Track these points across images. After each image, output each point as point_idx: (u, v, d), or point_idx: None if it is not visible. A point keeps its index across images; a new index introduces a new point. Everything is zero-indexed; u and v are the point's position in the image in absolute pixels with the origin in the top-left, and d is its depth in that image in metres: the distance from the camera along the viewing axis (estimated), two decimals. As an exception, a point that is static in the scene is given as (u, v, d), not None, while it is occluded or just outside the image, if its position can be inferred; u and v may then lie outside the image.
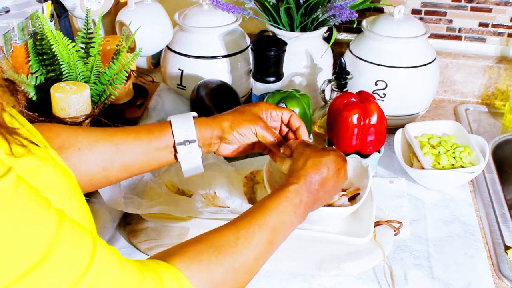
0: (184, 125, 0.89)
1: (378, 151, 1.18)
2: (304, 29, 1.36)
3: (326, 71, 1.40)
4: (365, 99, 1.15)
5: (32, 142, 0.56)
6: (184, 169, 0.91)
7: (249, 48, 1.31)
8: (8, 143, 0.51)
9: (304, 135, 0.94)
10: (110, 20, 1.51)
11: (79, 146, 0.85)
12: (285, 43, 1.24)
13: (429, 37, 1.42)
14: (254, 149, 0.95)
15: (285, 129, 0.97)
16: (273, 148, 0.91)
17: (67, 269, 0.52)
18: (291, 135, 0.96)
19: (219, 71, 1.38)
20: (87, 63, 1.12)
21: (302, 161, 0.84)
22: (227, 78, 1.38)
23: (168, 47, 1.41)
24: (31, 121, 0.72)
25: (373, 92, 1.34)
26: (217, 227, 0.73)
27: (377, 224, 1.03)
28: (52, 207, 0.53)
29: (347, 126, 1.13)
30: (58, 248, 0.51)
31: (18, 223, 0.49)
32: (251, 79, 1.30)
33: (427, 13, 1.52)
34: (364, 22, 1.39)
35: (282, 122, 0.96)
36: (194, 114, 0.92)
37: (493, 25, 1.52)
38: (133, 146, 0.87)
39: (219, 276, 0.67)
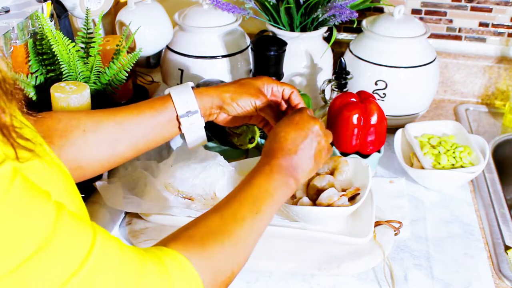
0: (185, 96, 0.89)
1: (378, 151, 1.18)
2: (304, 29, 1.36)
3: (326, 71, 1.40)
4: (365, 99, 1.15)
5: (31, 142, 0.56)
6: (188, 140, 0.92)
7: (249, 48, 1.31)
8: (14, 149, 0.52)
9: None
10: (110, 20, 1.50)
11: (84, 128, 0.85)
12: (285, 43, 1.24)
13: (429, 37, 1.42)
14: (251, 120, 0.96)
15: (284, 106, 0.97)
16: (271, 121, 0.93)
17: (67, 257, 0.53)
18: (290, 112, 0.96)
19: (219, 71, 1.38)
20: (87, 63, 1.12)
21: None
22: (227, 78, 1.38)
23: (168, 47, 1.41)
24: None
25: (373, 92, 1.34)
26: (208, 210, 0.74)
27: (377, 224, 1.03)
28: (51, 199, 0.53)
29: (347, 126, 1.13)
30: (57, 237, 0.52)
31: (16, 213, 0.49)
32: (251, 79, 1.30)
33: (427, 13, 1.52)
34: (364, 22, 1.39)
35: (282, 98, 0.96)
36: (191, 84, 0.92)
37: (493, 25, 1.52)
38: (137, 123, 0.88)
39: (215, 254, 0.68)
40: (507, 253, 1.04)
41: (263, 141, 1.22)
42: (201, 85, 1.27)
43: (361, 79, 1.35)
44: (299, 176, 0.82)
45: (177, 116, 0.89)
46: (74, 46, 1.10)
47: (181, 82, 1.40)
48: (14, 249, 0.50)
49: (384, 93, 1.35)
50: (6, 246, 0.49)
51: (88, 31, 1.14)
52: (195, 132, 0.91)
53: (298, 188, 1.02)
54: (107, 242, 0.57)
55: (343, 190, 1.02)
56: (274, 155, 0.81)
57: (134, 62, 1.15)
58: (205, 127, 0.92)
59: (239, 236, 0.71)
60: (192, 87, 0.91)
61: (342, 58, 1.24)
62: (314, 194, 1.02)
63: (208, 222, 0.71)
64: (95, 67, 1.12)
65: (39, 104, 1.10)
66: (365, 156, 1.17)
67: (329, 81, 1.26)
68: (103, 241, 0.57)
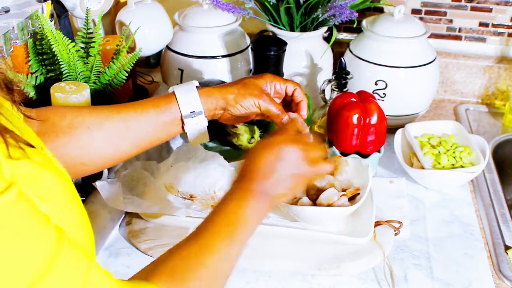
0: (189, 97, 0.90)
1: (378, 151, 1.18)
2: (304, 29, 1.36)
3: (326, 71, 1.40)
4: (365, 99, 1.15)
5: (29, 144, 0.55)
6: (191, 138, 0.93)
7: (249, 48, 1.31)
8: (6, 145, 0.51)
9: (303, 109, 0.95)
10: (110, 20, 1.50)
11: (88, 125, 0.85)
12: (285, 43, 1.24)
13: (429, 37, 1.42)
14: (255, 118, 0.97)
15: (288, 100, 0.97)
16: (276, 119, 0.93)
17: (66, 286, 0.52)
18: (292, 108, 0.97)
19: (219, 71, 1.38)
20: (87, 63, 1.12)
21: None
22: (227, 78, 1.38)
23: (168, 47, 1.41)
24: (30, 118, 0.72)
25: (373, 92, 1.34)
26: (184, 238, 0.73)
27: (377, 224, 1.03)
28: (51, 224, 0.52)
29: (347, 126, 1.13)
30: (55, 267, 0.51)
31: (16, 241, 0.48)
32: (251, 79, 1.29)
33: (427, 13, 1.52)
34: (364, 22, 1.39)
35: (286, 94, 0.97)
36: (196, 83, 0.92)
37: (493, 25, 1.52)
38: (141, 121, 0.88)
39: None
40: (507, 253, 1.04)
41: (263, 141, 1.22)
42: (202, 85, 1.27)
43: (361, 79, 1.35)
44: (273, 201, 0.80)
45: (181, 116, 0.90)
46: (74, 46, 1.10)
47: (181, 82, 1.40)
48: (15, 276, 0.49)
49: (384, 93, 1.35)
50: (7, 272, 0.48)
51: (88, 31, 1.14)
52: (198, 131, 0.92)
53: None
54: (99, 276, 0.57)
55: (343, 190, 1.02)
56: (248, 178, 0.79)
57: (134, 62, 1.14)
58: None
59: (216, 268, 0.71)
60: (197, 87, 0.91)
61: (342, 58, 1.24)
62: (314, 194, 1.02)
63: (186, 253, 0.70)
64: (95, 67, 1.12)
65: (39, 104, 1.09)
66: (365, 156, 1.17)
67: (329, 81, 1.26)
68: (96, 275, 0.56)
